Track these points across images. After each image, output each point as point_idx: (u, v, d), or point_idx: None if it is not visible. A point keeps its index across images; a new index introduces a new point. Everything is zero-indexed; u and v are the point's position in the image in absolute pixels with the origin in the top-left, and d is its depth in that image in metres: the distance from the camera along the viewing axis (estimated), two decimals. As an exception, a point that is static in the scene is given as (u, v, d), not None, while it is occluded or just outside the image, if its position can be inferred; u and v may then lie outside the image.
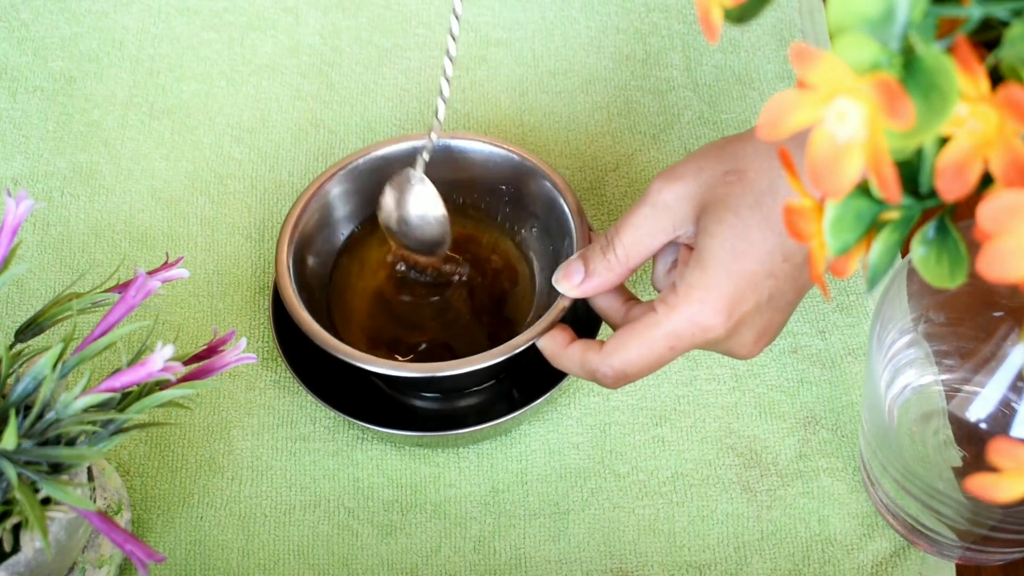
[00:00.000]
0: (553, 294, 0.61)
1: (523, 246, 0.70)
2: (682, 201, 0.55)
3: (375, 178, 0.68)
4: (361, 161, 0.68)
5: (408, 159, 0.68)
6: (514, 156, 0.68)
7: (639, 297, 0.60)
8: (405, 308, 0.68)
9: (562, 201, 0.66)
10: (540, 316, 0.61)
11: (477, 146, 0.69)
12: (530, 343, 0.60)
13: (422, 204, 0.65)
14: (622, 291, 0.59)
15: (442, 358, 0.61)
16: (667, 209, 0.56)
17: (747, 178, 0.54)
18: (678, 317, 0.54)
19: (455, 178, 0.70)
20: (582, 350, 0.57)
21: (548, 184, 0.67)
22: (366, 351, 0.61)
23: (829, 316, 0.70)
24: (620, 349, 0.55)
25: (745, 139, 0.55)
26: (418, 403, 0.67)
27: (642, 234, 0.56)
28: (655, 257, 0.59)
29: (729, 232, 0.53)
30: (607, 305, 0.59)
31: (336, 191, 0.68)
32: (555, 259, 0.67)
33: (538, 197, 0.68)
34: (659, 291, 0.60)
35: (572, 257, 0.60)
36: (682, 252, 0.57)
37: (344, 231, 0.69)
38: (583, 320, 0.67)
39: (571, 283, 0.59)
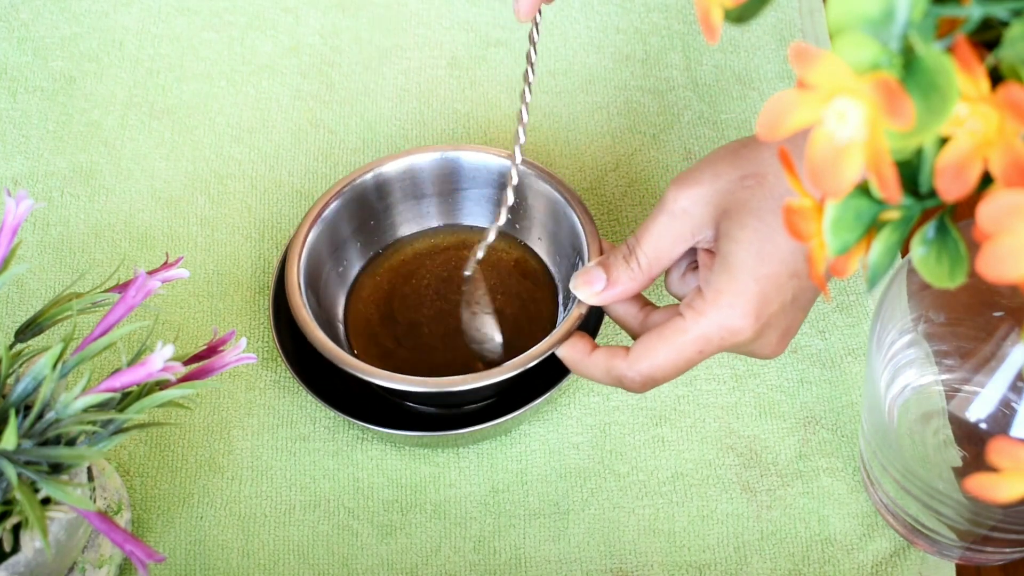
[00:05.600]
0: (568, 302, 0.61)
1: (534, 255, 0.70)
2: (699, 206, 0.55)
3: (381, 193, 0.69)
4: (368, 176, 0.69)
5: (410, 173, 0.69)
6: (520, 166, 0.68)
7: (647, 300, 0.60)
8: (421, 324, 0.68)
9: (570, 210, 0.66)
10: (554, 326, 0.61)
11: (478, 157, 0.69)
12: (548, 353, 0.60)
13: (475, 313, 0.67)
14: (638, 297, 0.59)
15: (460, 372, 0.61)
16: (685, 215, 0.56)
17: (767, 182, 0.54)
18: (707, 322, 0.54)
19: (458, 191, 0.70)
20: (607, 357, 0.57)
21: (555, 192, 0.67)
22: (380, 366, 0.62)
23: (829, 316, 0.70)
24: (648, 354, 0.56)
25: (760, 143, 0.56)
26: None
27: (663, 243, 0.56)
28: None
29: (754, 236, 0.53)
30: (625, 312, 0.59)
31: (342, 208, 0.68)
32: (567, 267, 0.67)
33: (545, 206, 0.68)
34: (675, 295, 0.60)
35: (590, 264, 0.59)
36: (702, 257, 0.57)
37: (353, 247, 0.69)
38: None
39: (592, 290, 0.58)
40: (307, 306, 0.63)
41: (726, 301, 0.54)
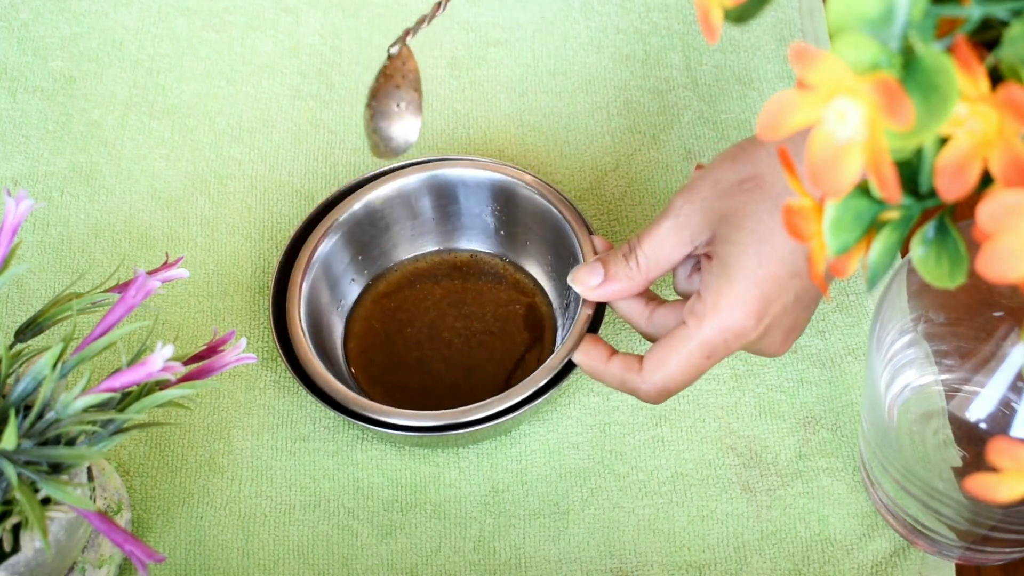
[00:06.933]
0: (570, 306, 0.61)
1: (522, 269, 0.70)
2: (698, 213, 0.56)
3: (372, 219, 0.69)
4: (358, 206, 0.69)
5: (404, 195, 0.69)
6: (497, 175, 0.69)
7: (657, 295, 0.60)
8: (423, 353, 0.68)
9: (556, 212, 0.66)
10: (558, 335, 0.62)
11: (457, 171, 0.69)
12: (565, 361, 0.61)
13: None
14: (644, 292, 0.60)
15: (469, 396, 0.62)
16: (687, 221, 0.56)
17: (764, 183, 0.55)
18: (710, 327, 0.55)
19: (442, 208, 0.70)
20: (623, 368, 0.58)
21: (538, 196, 0.67)
22: (386, 401, 0.63)
23: (829, 316, 0.70)
24: (660, 366, 0.56)
25: (757, 143, 0.56)
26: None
27: (663, 246, 0.57)
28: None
29: (752, 238, 0.54)
30: (629, 309, 0.60)
31: (334, 243, 0.68)
32: (562, 269, 0.67)
33: (531, 211, 0.68)
34: (682, 295, 0.60)
35: (590, 260, 0.60)
36: (703, 261, 0.58)
37: (346, 282, 0.70)
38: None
39: (589, 284, 0.59)
40: (311, 346, 0.64)
41: (725, 304, 0.54)
